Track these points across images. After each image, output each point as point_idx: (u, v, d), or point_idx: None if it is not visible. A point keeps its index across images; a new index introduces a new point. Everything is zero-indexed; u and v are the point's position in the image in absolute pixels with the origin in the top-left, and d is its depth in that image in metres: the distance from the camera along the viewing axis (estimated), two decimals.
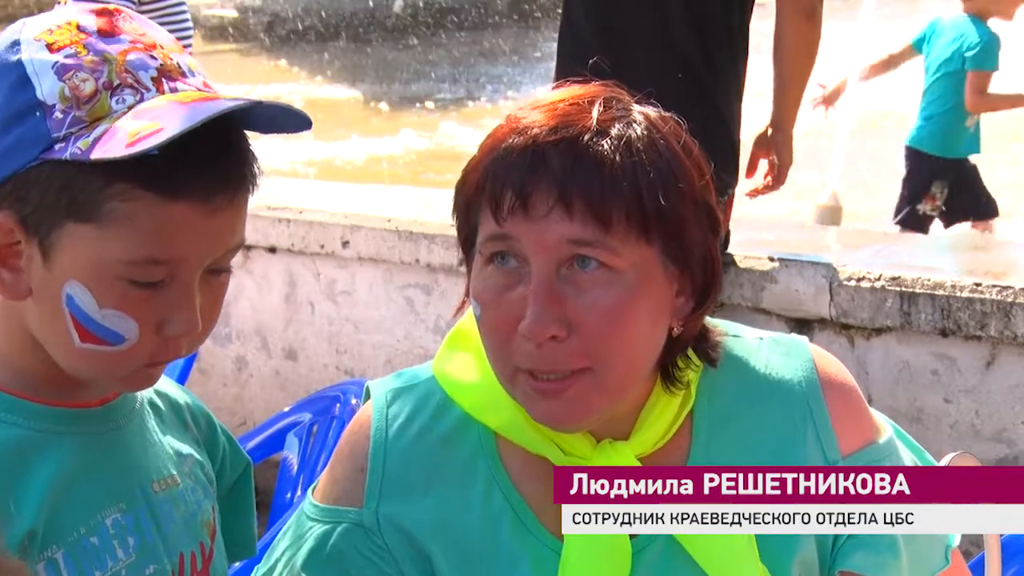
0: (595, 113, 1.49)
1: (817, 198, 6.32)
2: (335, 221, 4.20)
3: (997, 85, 6.27)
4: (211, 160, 1.35)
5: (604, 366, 1.48)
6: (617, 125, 1.49)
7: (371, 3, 17.65)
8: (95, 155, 1.30)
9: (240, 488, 1.62)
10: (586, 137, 1.47)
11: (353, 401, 2.64)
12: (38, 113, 1.33)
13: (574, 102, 1.51)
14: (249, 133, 1.42)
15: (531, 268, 1.48)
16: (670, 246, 1.49)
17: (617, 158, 1.46)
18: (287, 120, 1.39)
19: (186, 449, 1.52)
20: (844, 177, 6.62)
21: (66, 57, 1.34)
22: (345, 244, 4.17)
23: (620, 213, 1.46)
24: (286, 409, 2.88)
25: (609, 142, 1.47)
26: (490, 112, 11.21)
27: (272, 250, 4.34)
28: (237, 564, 1.65)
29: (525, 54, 15.06)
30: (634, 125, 1.49)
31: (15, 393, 1.40)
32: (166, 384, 1.56)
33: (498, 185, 1.48)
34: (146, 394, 1.51)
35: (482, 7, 16.74)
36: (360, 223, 4.15)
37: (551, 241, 1.46)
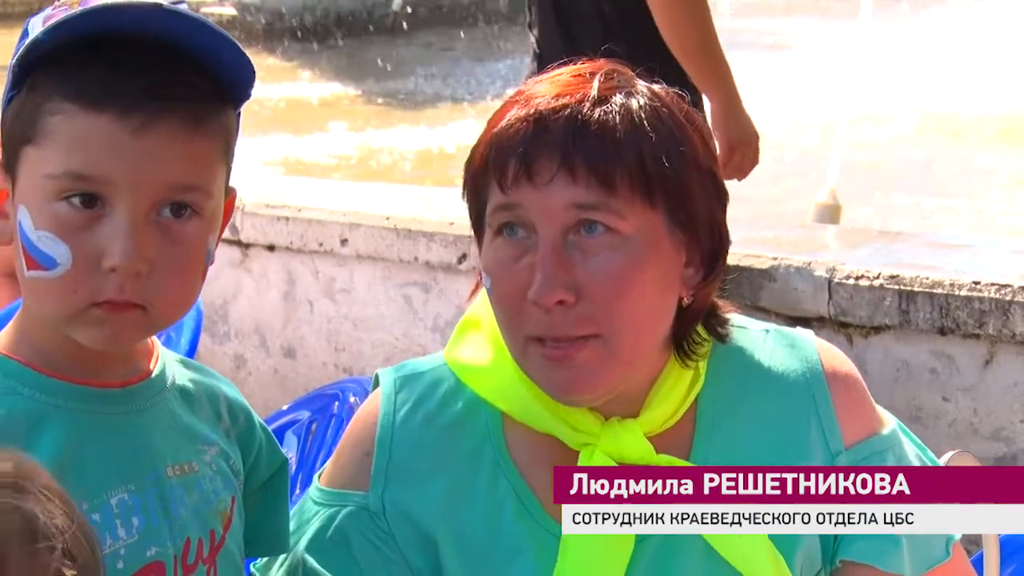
0: (596, 84, 1.52)
1: (815, 196, 6.32)
2: (334, 219, 4.20)
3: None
4: (134, 75, 1.36)
5: (612, 331, 1.50)
6: (619, 94, 1.52)
7: (370, 0, 17.64)
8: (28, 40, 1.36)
9: (274, 485, 1.62)
10: (587, 105, 1.50)
11: (352, 399, 2.63)
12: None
13: (576, 74, 1.54)
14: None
15: (538, 236, 1.50)
16: (675, 211, 1.52)
17: (619, 123, 1.49)
18: (228, 55, 1.39)
19: (212, 438, 1.52)
20: (842, 175, 6.63)
21: (55, 8, 1.39)
22: (344, 242, 4.16)
23: (624, 176, 1.48)
24: (285, 407, 2.87)
25: (610, 109, 1.50)
26: (490, 110, 11.21)
27: (270, 248, 4.33)
28: (262, 561, 1.65)
29: (525, 53, 15.04)
30: (635, 95, 1.53)
31: (32, 366, 1.41)
32: (207, 375, 1.57)
33: (502, 155, 1.51)
34: (177, 380, 1.51)
35: (482, 6, 16.73)
36: (359, 221, 4.15)
37: (556, 207, 1.48)
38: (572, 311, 1.49)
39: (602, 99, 1.51)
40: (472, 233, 1.61)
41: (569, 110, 1.49)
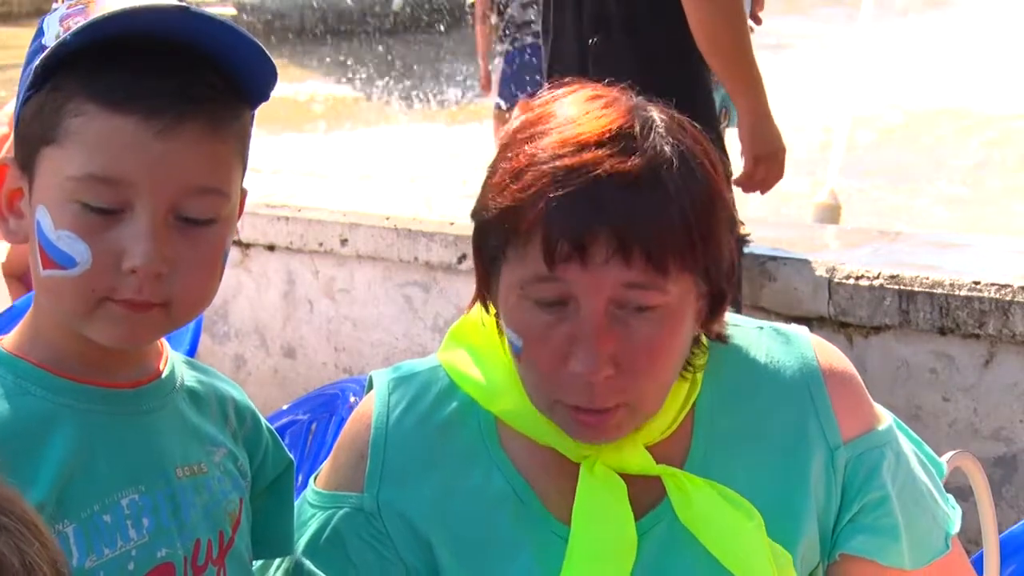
0: (637, 139, 1.47)
1: (815, 196, 6.32)
2: (334, 219, 4.20)
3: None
4: (158, 78, 1.36)
5: (643, 398, 1.52)
6: (655, 154, 1.47)
7: (370, 0, 17.63)
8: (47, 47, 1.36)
9: (280, 487, 1.61)
10: (641, 176, 1.45)
11: (352, 399, 2.63)
12: (39, 56, 1.39)
13: (605, 129, 1.48)
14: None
15: (581, 308, 1.48)
16: (708, 271, 1.52)
17: (671, 200, 1.46)
18: (250, 57, 1.40)
19: (220, 439, 1.52)
20: (842, 175, 6.63)
21: (69, 7, 1.40)
22: (344, 242, 4.17)
23: (676, 258, 1.47)
24: (284, 407, 2.87)
25: (658, 179, 1.46)
26: (489, 110, 11.20)
27: (271, 248, 4.34)
28: (258, 563, 1.64)
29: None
30: (667, 145, 1.48)
31: (44, 366, 1.41)
32: (213, 376, 1.57)
33: (553, 232, 1.45)
34: (186, 381, 1.52)
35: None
36: (359, 221, 4.15)
37: (607, 286, 1.46)
38: (611, 382, 1.49)
39: (650, 169, 1.45)
40: (472, 234, 1.60)
41: (623, 184, 1.44)
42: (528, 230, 1.47)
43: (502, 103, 8.79)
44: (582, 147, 1.47)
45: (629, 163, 1.45)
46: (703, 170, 1.50)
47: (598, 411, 1.50)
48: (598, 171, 1.45)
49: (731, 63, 3.14)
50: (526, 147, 1.50)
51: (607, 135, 1.47)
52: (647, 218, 1.45)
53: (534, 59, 8.55)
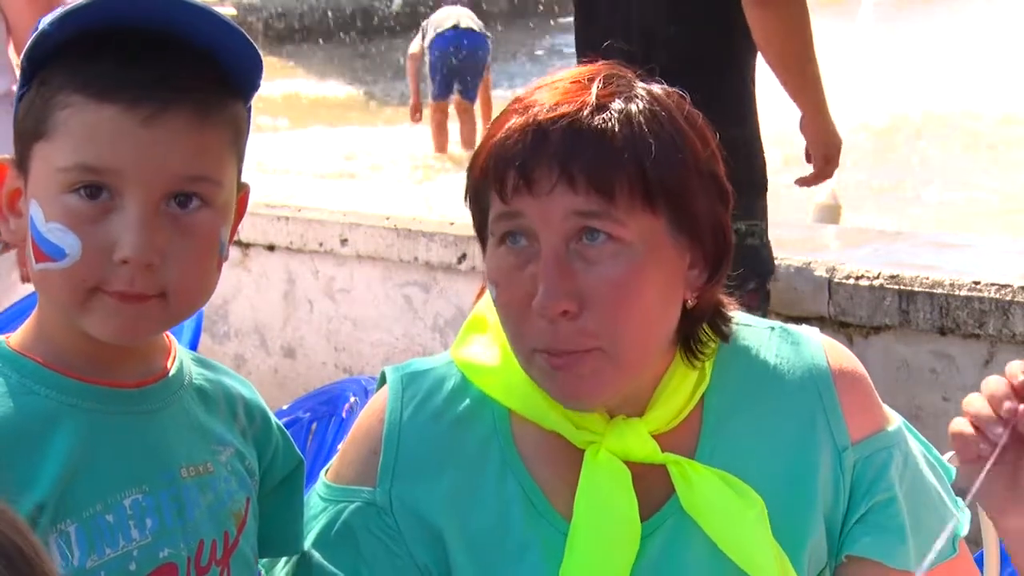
0: (595, 89, 1.51)
1: (815, 196, 6.32)
2: (334, 219, 4.20)
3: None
4: (143, 67, 1.36)
5: (614, 342, 1.50)
6: (617, 100, 1.51)
7: (370, 0, 17.64)
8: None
9: (290, 485, 1.61)
10: (585, 112, 1.49)
11: (352, 399, 2.63)
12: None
13: (575, 80, 1.54)
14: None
15: (540, 244, 1.50)
16: (677, 216, 1.52)
17: (617, 130, 1.49)
18: (234, 45, 1.40)
19: (228, 439, 1.52)
20: (843, 175, 6.63)
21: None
22: (344, 242, 4.17)
23: (623, 183, 1.48)
24: (284, 407, 2.87)
25: (609, 116, 1.49)
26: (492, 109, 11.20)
27: (271, 248, 4.34)
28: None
29: (526, 52, 15.06)
30: (635, 99, 1.52)
31: (48, 365, 1.41)
32: (224, 374, 1.57)
33: (501, 166, 1.50)
34: (194, 379, 1.51)
35: (482, 6, 16.74)
36: (359, 221, 4.15)
37: (557, 215, 1.48)
38: (575, 323, 1.49)
39: (600, 106, 1.50)
40: (475, 236, 1.61)
41: (567, 119, 1.49)
42: (484, 169, 1.53)
43: (437, 97, 10.79)
44: (540, 96, 1.53)
45: (578, 102, 1.50)
46: (672, 123, 1.52)
47: (569, 352, 1.50)
48: (545, 108, 1.50)
49: (797, 71, 3.25)
50: (504, 110, 1.58)
51: (565, 81, 1.54)
52: (589, 145, 1.48)
53: (449, 48, 10.70)
